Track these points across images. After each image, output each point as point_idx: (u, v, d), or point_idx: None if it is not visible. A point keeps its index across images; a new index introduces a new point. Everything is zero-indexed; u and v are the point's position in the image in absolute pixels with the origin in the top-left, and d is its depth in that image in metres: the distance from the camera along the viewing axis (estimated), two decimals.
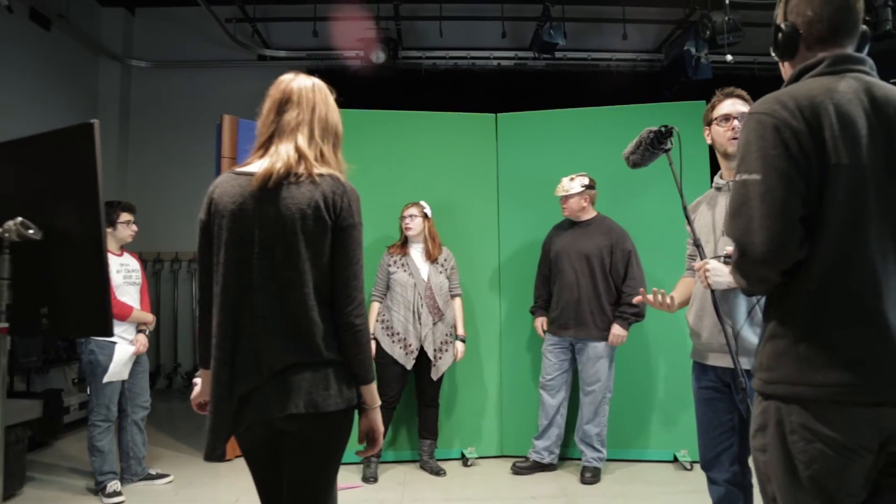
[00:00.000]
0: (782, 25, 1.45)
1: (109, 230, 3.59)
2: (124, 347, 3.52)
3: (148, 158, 7.10)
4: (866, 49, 1.48)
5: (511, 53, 6.89)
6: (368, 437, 1.67)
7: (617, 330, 3.75)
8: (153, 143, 7.13)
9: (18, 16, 5.53)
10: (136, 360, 3.65)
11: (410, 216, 3.90)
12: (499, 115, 4.55)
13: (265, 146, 1.64)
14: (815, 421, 1.26)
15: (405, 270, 3.87)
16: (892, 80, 4.53)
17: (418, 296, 3.84)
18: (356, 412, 1.64)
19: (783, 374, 1.31)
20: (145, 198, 6.37)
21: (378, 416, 1.67)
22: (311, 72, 5.76)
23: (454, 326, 4.00)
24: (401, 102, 5.97)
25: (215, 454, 1.59)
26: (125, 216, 3.65)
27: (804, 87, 1.34)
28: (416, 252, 3.95)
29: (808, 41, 1.43)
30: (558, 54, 6.45)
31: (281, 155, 1.57)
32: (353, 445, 1.71)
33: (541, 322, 4.03)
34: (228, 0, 6.35)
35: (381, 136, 4.33)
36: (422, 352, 3.86)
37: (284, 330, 1.54)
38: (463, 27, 6.81)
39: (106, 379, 3.46)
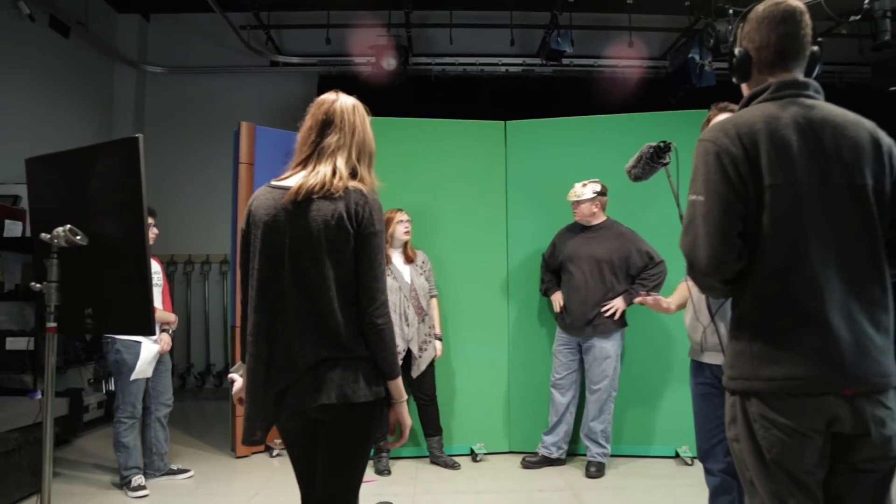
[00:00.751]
0: (736, 51, 1.60)
1: None
2: (149, 346, 3.67)
3: (162, 162, 7.22)
4: (817, 69, 1.62)
5: (519, 60, 7.04)
6: (398, 429, 1.81)
7: (616, 302, 3.89)
8: (167, 146, 7.25)
9: (39, 24, 5.70)
10: (160, 359, 3.80)
11: (408, 221, 4.05)
12: (508, 122, 4.68)
13: (304, 163, 1.77)
14: (770, 411, 1.42)
15: (390, 275, 4.01)
16: (891, 88, 4.62)
17: (404, 298, 4.00)
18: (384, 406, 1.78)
19: (741, 371, 1.47)
20: (159, 201, 6.48)
21: (405, 409, 1.80)
22: (322, 78, 5.91)
23: (432, 326, 4.15)
24: (411, 108, 6.13)
25: (253, 439, 1.73)
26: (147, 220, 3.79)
27: (746, 115, 1.50)
28: (397, 257, 4.11)
29: (759, 66, 1.58)
30: (565, 61, 6.57)
31: (319, 175, 1.70)
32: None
33: (557, 296, 4.14)
34: (242, 7, 6.50)
35: (394, 142, 4.46)
36: (407, 352, 4.01)
37: (314, 329, 1.67)
38: (472, 34, 6.96)
39: (133, 377, 3.60)
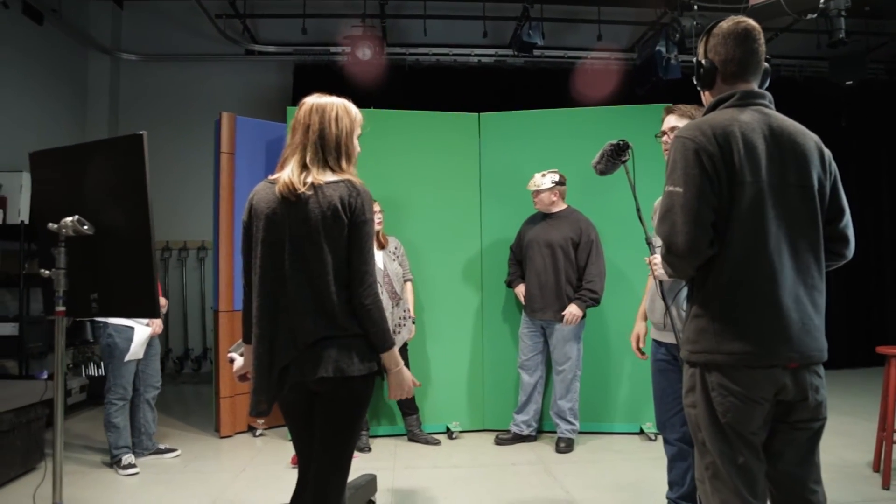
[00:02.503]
0: (703, 61, 1.80)
1: None
2: (142, 329, 3.80)
3: None
4: (767, 82, 1.84)
5: (491, 51, 7.22)
6: (399, 391, 1.99)
7: (573, 309, 4.11)
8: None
9: (12, 10, 5.68)
10: (150, 342, 3.92)
11: (380, 211, 4.16)
12: (482, 114, 4.86)
13: (283, 164, 1.95)
14: (727, 381, 1.65)
15: None
16: (847, 83, 4.94)
17: (378, 284, 4.14)
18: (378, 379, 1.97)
19: (704, 346, 1.69)
20: None
21: (403, 373, 1.98)
22: (298, 67, 6.03)
23: (407, 309, 4.33)
24: (385, 96, 6.28)
25: (258, 410, 1.90)
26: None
27: (718, 118, 1.70)
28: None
29: (723, 76, 1.79)
30: (536, 52, 6.78)
31: (285, 176, 1.89)
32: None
33: (521, 289, 4.38)
34: None
35: (370, 132, 4.58)
36: None
37: (313, 311, 1.85)
38: (446, 25, 7.11)
39: (127, 358, 3.73)
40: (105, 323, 3.72)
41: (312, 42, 6.99)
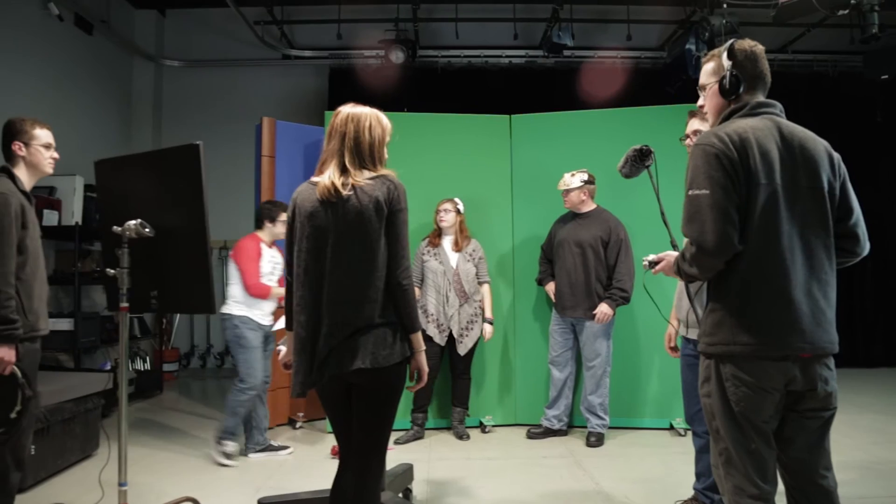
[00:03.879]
0: (736, 73, 1.91)
1: (269, 225, 4.08)
2: (267, 321, 4.00)
3: None
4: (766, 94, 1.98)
5: (522, 52, 7.33)
6: (417, 375, 2.15)
7: (604, 308, 4.21)
8: (185, 137, 7.48)
9: (65, 22, 5.98)
10: (266, 339, 4.07)
11: (445, 210, 4.41)
12: (513, 116, 4.98)
13: (321, 167, 2.13)
14: (740, 372, 1.76)
15: (437, 259, 4.39)
16: (882, 77, 4.94)
17: (447, 281, 4.35)
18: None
19: (720, 338, 1.80)
20: None
21: (423, 358, 2.14)
22: (333, 71, 6.23)
23: (482, 309, 4.48)
24: (418, 98, 6.44)
25: (298, 392, 2.07)
26: (283, 215, 3.98)
27: (734, 126, 1.83)
28: (447, 243, 4.46)
29: (746, 88, 1.92)
30: (566, 53, 6.84)
31: (328, 175, 2.07)
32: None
33: (551, 287, 4.50)
34: (255, 1, 6.77)
35: (406, 135, 4.74)
36: (450, 330, 4.38)
37: (353, 301, 2.01)
38: (477, 28, 7.25)
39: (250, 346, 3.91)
40: (230, 315, 3.91)
41: (347, 46, 7.16)
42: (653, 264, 2.13)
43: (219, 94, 7.63)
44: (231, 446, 3.93)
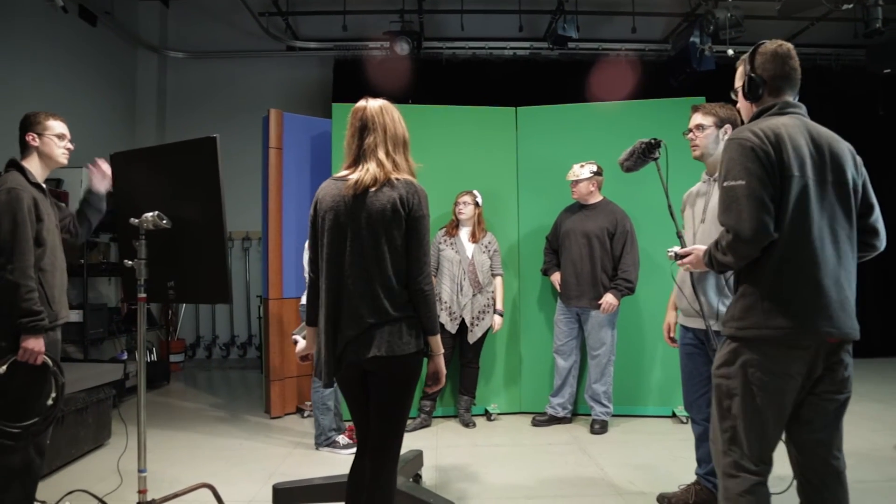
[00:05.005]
0: (754, 76, 2.00)
1: None
2: None
3: None
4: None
5: (526, 44, 7.34)
6: (434, 377, 2.20)
7: (609, 298, 4.27)
8: (189, 128, 7.54)
9: (69, 14, 5.98)
10: None
11: (464, 203, 4.49)
12: (518, 108, 5.02)
13: (355, 163, 2.14)
14: (766, 358, 1.85)
15: (453, 249, 4.45)
16: (885, 71, 4.99)
17: (462, 271, 4.41)
18: (425, 359, 2.17)
19: (752, 322, 1.87)
20: None
21: (441, 361, 2.18)
22: (338, 62, 6.24)
23: (493, 300, 4.54)
24: (423, 89, 6.46)
25: (327, 382, 2.14)
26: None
27: (767, 123, 1.92)
28: (465, 233, 4.53)
29: (770, 90, 2.01)
30: (571, 45, 6.85)
31: (370, 171, 2.08)
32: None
33: (556, 277, 4.57)
34: None
35: (411, 127, 4.75)
36: (462, 319, 4.45)
37: (371, 295, 2.06)
38: (482, 20, 7.25)
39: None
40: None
41: (352, 38, 7.16)
42: (678, 256, 2.19)
43: (223, 86, 7.64)
44: (339, 438, 3.96)
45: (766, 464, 1.88)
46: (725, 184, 1.88)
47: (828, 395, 1.88)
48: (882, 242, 2.04)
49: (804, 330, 1.81)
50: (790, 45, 2.01)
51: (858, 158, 2.00)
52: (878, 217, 2.01)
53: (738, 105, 2.13)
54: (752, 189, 1.81)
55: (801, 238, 1.84)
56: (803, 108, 2.01)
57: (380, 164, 2.10)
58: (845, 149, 1.96)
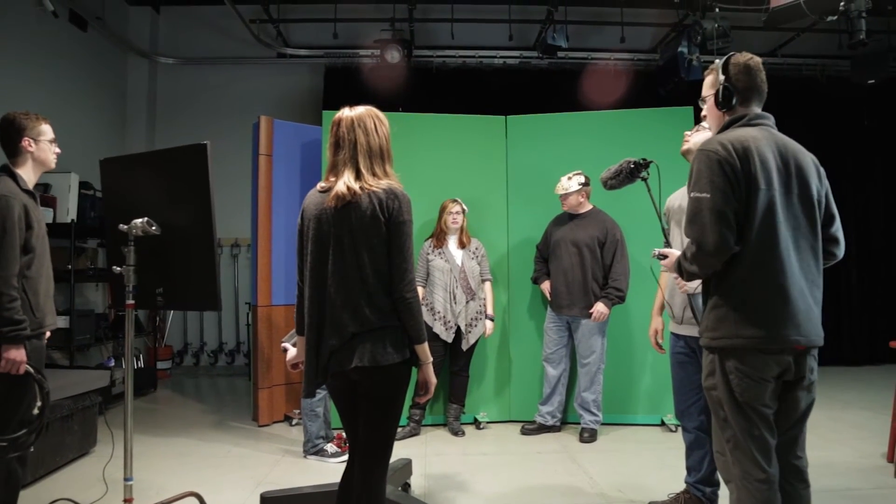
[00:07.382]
0: (728, 86, 2.04)
1: None
2: None
3: None
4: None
5: (516, 53, 7.39)
6: (424, 387, 2.18)
7: (600, 307, 4.29)
8: (179, 135, 7.49)
9: (60, 19, 5.96)
10: None
11: (457, 212, 4.49)
12: (508, 117, 5.04)
13: (333, 173, 2.14)
14: (742, 364, 1.91)
15: (442, 258, 4.46)
16: (869, 81, 5.06)
17: (454, 279, 4.42)
18: (413, 368, 2.16)
19: (724, 332, 1.93)
20: None
21: (431, 370, 2.16)
22: (329, 70, 6.25)
23: (484, 306, 4.56)
24: (413, 97, 6.47)
25: (309, 390, 2.14)
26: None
27: (735, 134, 1.97)
28: (452, 242, 4.54)
29: (740, 100, 2.06)
30: (560, 54, 6.90)
31: (344, 182, 2.07)
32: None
33: (546, 285, 4.58)
34: None
35: (401, 135, 4.75)
36: (457, 326, 4.46)
37: (353, 305, 2.04)
38: (472, 28, 7.30)
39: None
40: None
41: (343, 45, 7.18)
42: (662, 256, 2.23)
43: (213, 93, 7.63)
44: (328, 446, 3.95)
45: (772, 466, 1.93)
46: (692, 194, 1.94)
47: (795, 399, 1.96)
48: (841, 251, 2.11)
49: (774, 338, 1.88)
50: (759, 59, 2.09)
51: (822, 170, 2.07)
52: (838, 227, 2.09)
53: (705, 113, 2.18)
54: (715, 203, 1.87)
55: (769, 249, 1.90)
56: (771, 119, 2.07)
57: (355, 175, 2.08)
58: (810, 161, 2.02)
